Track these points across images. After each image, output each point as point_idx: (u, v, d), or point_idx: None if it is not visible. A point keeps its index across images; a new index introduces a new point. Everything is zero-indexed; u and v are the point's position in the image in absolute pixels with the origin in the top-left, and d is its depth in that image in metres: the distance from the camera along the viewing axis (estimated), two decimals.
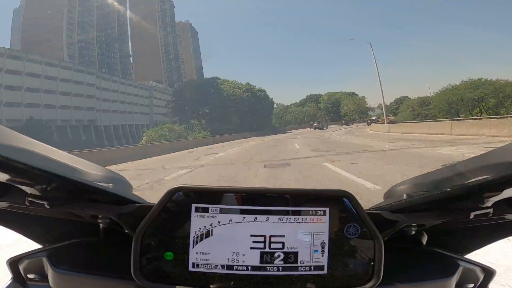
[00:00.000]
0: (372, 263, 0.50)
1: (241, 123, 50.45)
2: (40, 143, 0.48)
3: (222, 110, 50.04)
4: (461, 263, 0.57)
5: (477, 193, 0.46)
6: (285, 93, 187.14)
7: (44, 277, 0.57)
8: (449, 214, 0.52)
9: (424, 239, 0.60)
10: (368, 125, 41.24)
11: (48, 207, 0.45)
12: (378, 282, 0.49)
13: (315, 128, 46.01)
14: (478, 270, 0.58)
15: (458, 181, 0.51)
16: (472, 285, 0.58)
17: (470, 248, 0.67)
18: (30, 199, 0.44)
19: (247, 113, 52.10)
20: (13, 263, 0.59)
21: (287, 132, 42.84)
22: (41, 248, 0.61)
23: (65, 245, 0.61)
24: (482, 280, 0.59)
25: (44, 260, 0.56)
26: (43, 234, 0.65)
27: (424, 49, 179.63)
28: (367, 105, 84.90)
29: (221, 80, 56.85)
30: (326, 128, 44.55)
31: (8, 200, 0.46)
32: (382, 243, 0.50)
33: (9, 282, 0.59)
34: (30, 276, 0.58)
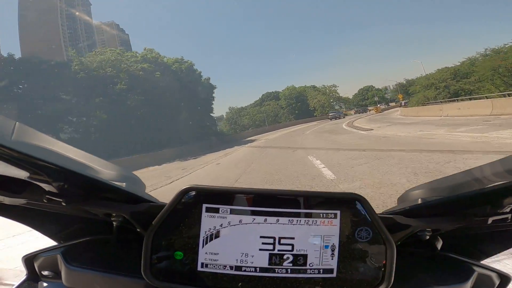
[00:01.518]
0: (383, 268, 0.49)
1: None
2: (58, 141, 0.49)
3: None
4: (476, 268, 0.56)
5: (496, 198, 0.45)
6: (237, 94, 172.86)
7: (57, 274, 0.58)
8: (465, 219, 0.50)
9: (439, 244, 0.58)
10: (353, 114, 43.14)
11: (64, 204, 0.46)
12: (389, 287, 0.48)
13: (331, 119, 42.90)
14: (494, 276, 0.57)
15: (475, 186, 0.50)
16: None
17: (487, 253, 0.65)
18: (48, 196, 0.45)
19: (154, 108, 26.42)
20: (28, 260, 0.61)
21: (245, 143, 22.53)
22: (55, 245, 0.62)
23: (79, 243, 0.62)
24: (497, 286, 0.57)
25: (58, 257, 0.57)
26: (59, 232, 0.66)
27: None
28: (339, 95, 76.91)
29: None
30: (344, 118, 41.77)
31: (26, 197, 0.47)
32: (394, 247, 0.49)
33: (23, 279, 0.61)
34: (44, 273, 0.60)
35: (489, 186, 0.45)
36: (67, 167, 0.41)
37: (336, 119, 41.33)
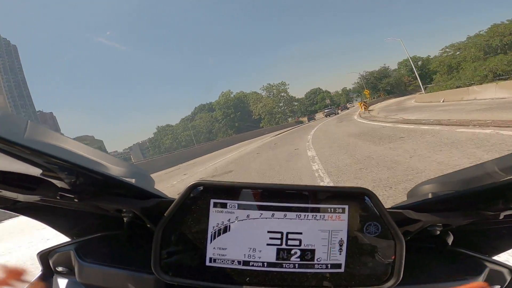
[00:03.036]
0: (392, 263, 0.49)
1: None
2: (69, 138, 0.50)
3: None
4: (488, 264, 0.55)
5: (509, 193, 0.44)
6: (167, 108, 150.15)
7: (71, 270, 0.59)
8: (477, 214, 0.49)
9: (450, 239, 0.57)
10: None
11: (76, 200, 0.47)
12: (398, 282, 0.48)
13: (326, 116, 43.05)
14: (505, 272, 0.56)
15: (487, 180, 0.49)
16: (498, 286, 0.56)
17: (499, 249, 0.64)
18: (60, 193, 0.46)
19: None
20: (43, 256, 0.62)
21: None
22: (69, 241, 0.64)
23: (91, 239, 0.63)
24: (509, 281, 0.56)
25: (72, 253, 0.59)
26: (72, 228, 0.68)
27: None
28: (290, 95, 68.91)
29: None
30: (338, 113, 42.45)
31: (40, 193, 0.48)
32: (404, 242, 0.49)
33: (39, 275, 0.62)
34: (58, 269, 0.61)
35: (502, 180, 0.44)
36: (79, 164, 0.41)
37: (333, 115, 41.19)
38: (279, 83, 67.54)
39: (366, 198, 0.49)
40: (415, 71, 33.08)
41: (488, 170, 0.51)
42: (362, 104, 25.70)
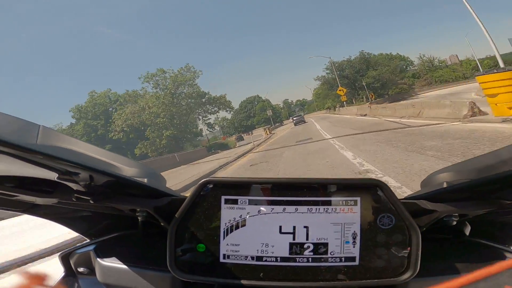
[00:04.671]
0: (408, 255, 0.48)
1: None
2: (80, 141, 0.52)
3: None
4: (508, 255, 0.54)
5: None
6: None
7: (91, 270, 0.61)
8: (494, 203, 0.48)
9: (467, 230, 0.56)
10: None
11: (92, 202, 0.48)
12: (414, 274, 0.47)
13: (296, 124, 35.08)
14: None
15: (503, 167, 0.48)
16: None
17: None
18: (76, 195, 0.47)
19: None
20: (65, 257, 0.64)
21: None
22: (87, 242, 0.66)
23: (108, 239, 0.65)
24: None
25: (91, 253, 0.61)
26: (89, 229, 0.70)
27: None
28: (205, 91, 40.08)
29: None
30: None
31: (57, 196, 0.50)
32: (419, 233, 0.48)
33: (61, 276, 0.64)
34: (79, 269, 0.63)
35: None
36: (92, 166, 0.42)
37: (302, 123, 34.12)
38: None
39: (378, 189, 0.48)
40: None
41: (504, 158, 0.50)
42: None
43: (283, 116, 73.28)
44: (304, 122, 34.74)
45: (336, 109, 36.11)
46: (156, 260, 0.55)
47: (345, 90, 28.57)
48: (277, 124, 58.79)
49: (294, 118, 38.97)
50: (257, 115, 63.56)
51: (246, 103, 66.45)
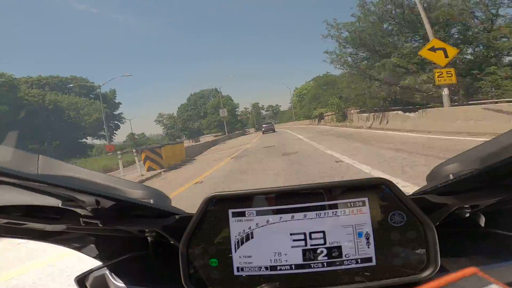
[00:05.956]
0: (425, 251, 0.47)
1: None
2: (82, 168, 0.53)
3: None
4: None
5: None
6: None
7: None
8: (504, 192, 0.47)
9: (482, 221, 0.54)
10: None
11: (101, 225, 0.49)
12: (437, 270, 0.46)
13: (264, 132, 30.39)
14: None
15: (506, 153, 0.46)
16: None
17: None
18: (84, 219, 0.48)
19: None
20: (80, 281, 0.64)
21: None
22: (101, 265, 0.66)
23: (121, 260, 0.65)
24: None
25: (106, 275, 0.61)
26: (101, 252, 0.70)
27: None
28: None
29: None
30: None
31: (65, 222, 0.50)
32: (434, 228, 0.47)
33: None
34: None
35: None
36: (96, 192, 0.43)
37: (271, 131, 29.80)
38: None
39: (385, 187, 0.48)
40: None
41: (505, 144, 0.49)
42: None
43: (250, 122, 57.60)
44: (274, 131, 30.28)
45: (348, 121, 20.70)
46: (169, 278, 0.55)
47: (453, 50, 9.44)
48: (237, 131, 43.02)
49: (264, 126, 33.90)
50: (209, 116, 44.31)
51: (197, 97, 47.25)
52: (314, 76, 38.48)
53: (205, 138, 38.04)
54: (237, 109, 55.15)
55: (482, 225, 0.54)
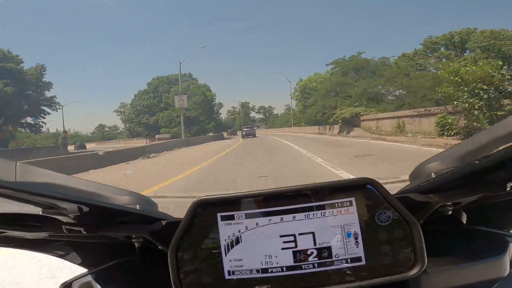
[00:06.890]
0: (412, 249, 0.48)
1: None
2: (63, 175, 0.52)
3: None
4: (509, 238, 0.55)
5: (508, 163, 0.43)
6: None
7: None
8: (483, 188, 0.48)
9: (464, 218, 0.56)
10: None
11: (84, 232, 0.47)
12: (423, 267, 0.47)
13: (244, 137, 29.51)
14: None
15: (484, 152, 0.49)
16: None
17: None
18: (66, 227, 0.47)
19: None
20: None
21: None
22: (87, 272, 0.64)
23: (107, 267, 0.64)
24: None
25: (92, 282, 0.59)
26: (86, 258, 0.68)
27: None
28: None
29: None
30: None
31: (47, 229, 0.49)
32: (419, 226, 0.48)
33: None
34: None
35: (500, 148, 0.44)
36: (78, 199, 0.42)
37: (252, 136, 28.58)
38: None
39: (370, 187, 0.49)
40: None
41: (487, 141, 0.50)
42: None
43: (236, 124, 50.83)
44: (254, 136, 29.35)
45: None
46: (158, 284, 0.54)
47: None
48: (210, 134, 35.72)
49: (244, 129, 32.74)
50: (170, 108, 34.22)
51: (161, 82, 36.23)
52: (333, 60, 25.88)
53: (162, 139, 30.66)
54: (214, 103, 45.15)
55: (464, 222, 0.55)
